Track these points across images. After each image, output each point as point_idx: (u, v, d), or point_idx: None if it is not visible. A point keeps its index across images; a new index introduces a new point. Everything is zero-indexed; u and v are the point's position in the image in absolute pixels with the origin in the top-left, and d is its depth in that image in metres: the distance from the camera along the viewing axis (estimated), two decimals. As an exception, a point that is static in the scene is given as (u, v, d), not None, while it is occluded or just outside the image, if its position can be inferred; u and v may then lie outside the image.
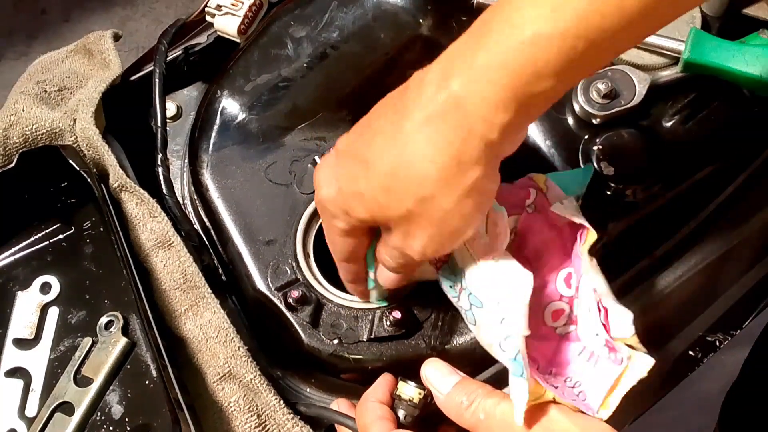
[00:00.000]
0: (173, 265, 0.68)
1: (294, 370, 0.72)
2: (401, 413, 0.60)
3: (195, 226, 0.75)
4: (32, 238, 0.73)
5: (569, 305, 0.58)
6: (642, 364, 0.52)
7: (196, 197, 0.75)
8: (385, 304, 0.67)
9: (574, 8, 0.44)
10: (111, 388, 0.67)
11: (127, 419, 0.65)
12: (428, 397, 0.60)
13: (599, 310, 0.55)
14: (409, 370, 0.62)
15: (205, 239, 0.75)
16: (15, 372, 0.68)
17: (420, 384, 0.60)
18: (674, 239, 0.68)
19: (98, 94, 0.74)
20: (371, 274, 0.63)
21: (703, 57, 0.68)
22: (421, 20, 0.74)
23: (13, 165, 0.69)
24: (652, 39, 0.69)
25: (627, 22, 0.44)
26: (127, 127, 0.80)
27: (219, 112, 0.76)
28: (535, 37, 0.44)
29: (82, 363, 0.67)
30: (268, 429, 0.64)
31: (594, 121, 0.70)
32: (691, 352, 0.88)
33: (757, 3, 0.72)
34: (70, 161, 0.69)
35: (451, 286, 0.61)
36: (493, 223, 0.56)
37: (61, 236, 0.74)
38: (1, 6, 2.04)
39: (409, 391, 0.60)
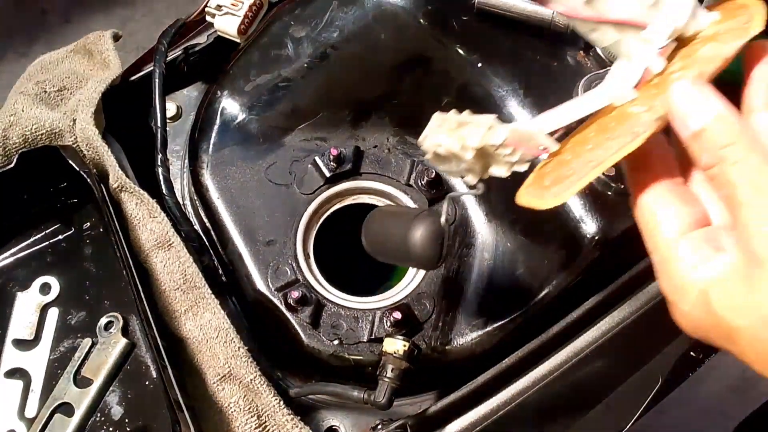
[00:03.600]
0: (173, 266, 0.68)
1: (294, 371, 0.72)
2: (389, 368, 0.60)
3: (195, 226, 0.75)
4: (32, 239, 0.73)
5: None
6: None
7: (196, 198, 0.75)
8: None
9: None
10: (111, 389, 0.66)
11: (126, 420, 0.65)
12: (414, 350, 0.60)
13: None
14: (409, 371, 0.62)
15: (205, 240, 0.74)
16: (15, 373, 0.68)
17: (406, 337, 0.60)
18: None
19: (98, 94, 0.74)
20: None
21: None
22: (421, 20, 0.73)
23: (12, 165, 0.69)
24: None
25: None
26: (127, 127, 0.80)
27: (219, 113, 0.75)
28: None
29: (82, 364, 0.67)
30: (268, 430, 0.64)
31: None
32: (692, 353, 0.88)
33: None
34: (70, 162, 0.69)
35: None
36: None
37: (60, 237, 0.74)
38: (2, 6, 2.04)
39: (395, 344, 0.61)
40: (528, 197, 0.48)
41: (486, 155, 0.50)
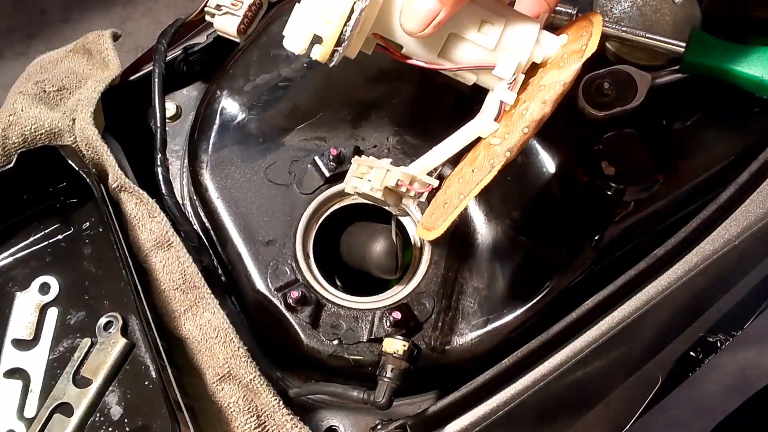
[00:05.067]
0: (172, 266, 0.68)
1: (294, 371, 0.72)
2: (389, 368, 0.61)
3: (194, 226, 0.75)
4: (31, 239, 0.73)
5: None
6: None
7: (195, 197, 0.75)
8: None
9: None
10: (110, 389, 0.66)
11: (126, 420, 0.65)
12: (414, 350, 0.61)
13: None
14: (409, 372, 0.62)
15: (204, 240, 0.74)
16: (14, 373, 0.68)
17: (405, 337, 0.62)
18: (675, 239, 0.67)
19: (97, 94, 0.74)
20: None
21: (704, 58, 0.68)
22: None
23: (11, 165, 0.69)
24: (653, 40, 0.69)
25: None
26: (127, 127, 0.80)
27: (218, 112, 0.75)
28: None
29: (81, 364, 0.67)
30: (268, 430, 0.64)
31: (595, 121, 0.69)
32: (692, 353, 0.88)
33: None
34: (69, 161, 0.69)
35: None
36: None
37: (60, 236, 0.73)
38: (1, 5, 2.04)
39: (394, 344, 0.62)
40: (421, 231, 0.57)
41: (393, 191, 0.58)
